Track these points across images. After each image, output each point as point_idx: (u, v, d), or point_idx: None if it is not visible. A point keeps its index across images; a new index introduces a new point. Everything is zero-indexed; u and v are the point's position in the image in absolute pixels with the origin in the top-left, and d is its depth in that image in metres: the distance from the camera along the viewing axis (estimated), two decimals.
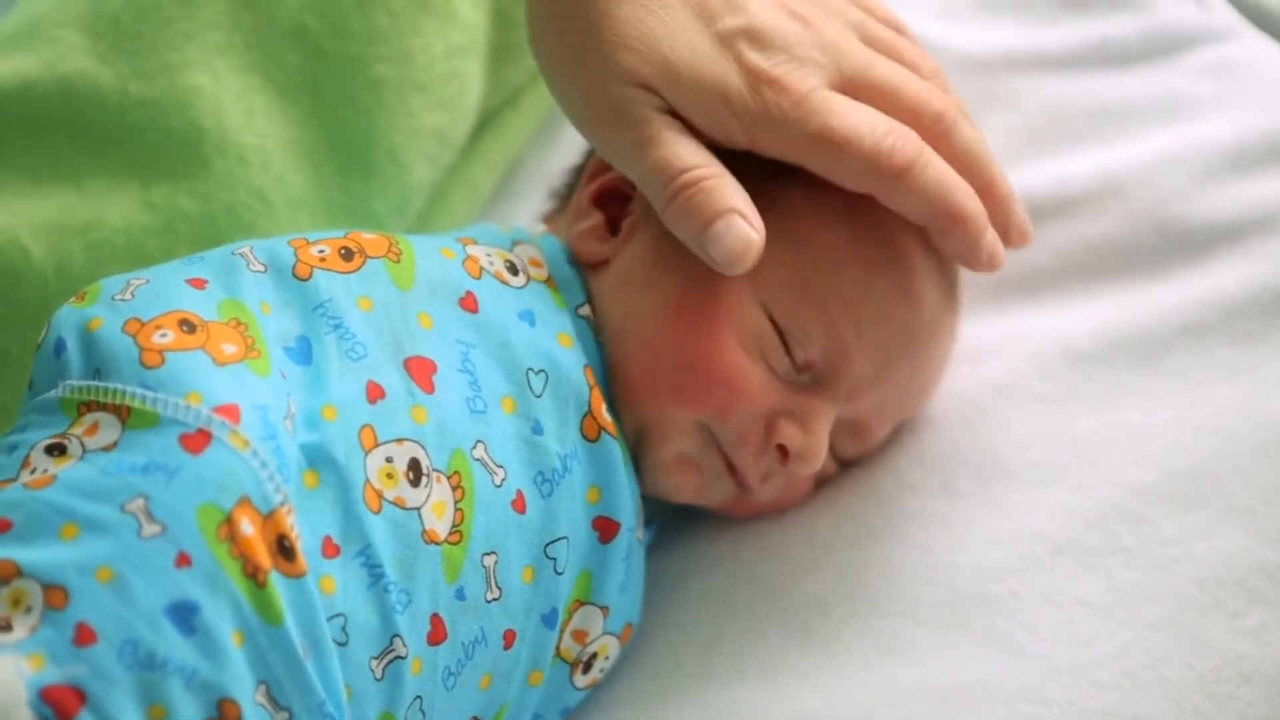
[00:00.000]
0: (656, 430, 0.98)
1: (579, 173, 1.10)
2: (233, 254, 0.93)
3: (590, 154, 1.08)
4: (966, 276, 1.07)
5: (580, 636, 0.96)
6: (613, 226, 1.02)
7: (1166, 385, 1.06)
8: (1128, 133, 1.18)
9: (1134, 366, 1.07)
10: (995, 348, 1.11)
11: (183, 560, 0.79)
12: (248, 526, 0.81)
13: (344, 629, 0.84)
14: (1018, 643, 0.97)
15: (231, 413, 0.83)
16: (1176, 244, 1.12)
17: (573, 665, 0.96)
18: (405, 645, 0.87)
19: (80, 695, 0.76)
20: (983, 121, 1.21)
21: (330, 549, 0.85)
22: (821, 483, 1.06)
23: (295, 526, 0.83)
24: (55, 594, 0.78)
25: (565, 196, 1.11)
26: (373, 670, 0.86)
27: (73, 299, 0.89)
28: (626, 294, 0.99)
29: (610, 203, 1.03)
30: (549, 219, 1.10)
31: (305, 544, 0.84)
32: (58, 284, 0.95)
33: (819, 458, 0.98)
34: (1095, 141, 1.19)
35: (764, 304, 0.98)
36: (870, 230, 0.99)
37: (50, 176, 0.98)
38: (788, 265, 0.98)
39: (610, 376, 0.98)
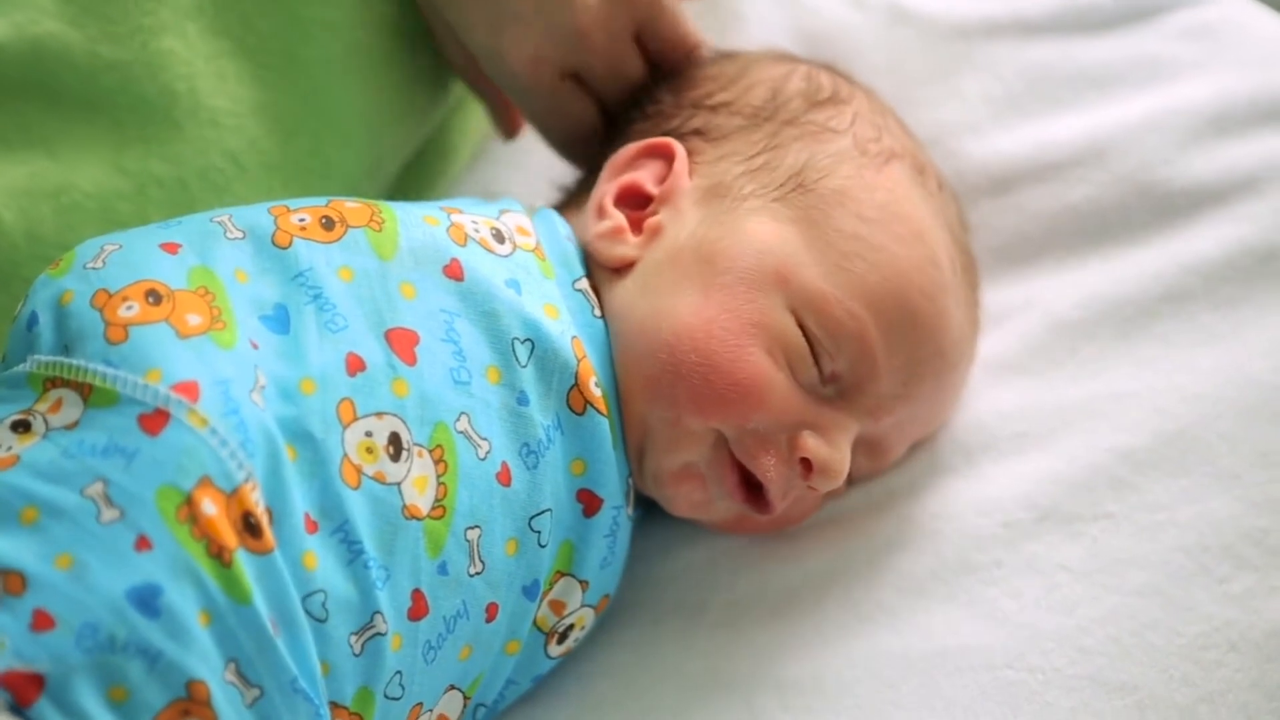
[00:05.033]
0: (665, 435, 0.95)
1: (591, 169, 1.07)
2: (211, 220, 0.91)
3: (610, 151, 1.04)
4: None
5: (558, 607, 0.95)
6: (634, 226, 1.00)
7: (1151, 352, 1.06)
8: (1108, 97, 1.17)
9: (1119, 334, 1.07)
10: (981, 318, 1.10)
11: (143, 544, 0.78)
12: (209, 506, 0.80)
13: (324, 605, 0.83)
14: (1002, 610, 0.96)
15: (190, 390, 0.82)
16: (1159, 208, 1.11)
17: (548, 635, 0.95)
18: (385, 622, 0.85)
19: (39, 681, 0.75)
20: (961, 88, 1.21)
21: (310, 525, 0.84)
22: (827, 499, 1.04)
23: (261, 503, 0.82)
24: (12, 580, 0.77)
25: (575, 192, 1.09)
26: (351, 646, 0.85)
27: (50, 268, 0.88)
28: (652, 294, 0.96)
29: (631, 203, 1.01)
30: (560, 209, 1.06)
31: (288, 518, 0.83)
32: (28, 249, 0.94)
33: (842, 473, 0.95)
34: (1076, 106, 1.18)
35: (794, 310, 0.95)
36: (906, 242, 0.97)
37: (20, 140, 0.97)
38: (821, 273, 0.96)
39: (622, 374, 0.96)
